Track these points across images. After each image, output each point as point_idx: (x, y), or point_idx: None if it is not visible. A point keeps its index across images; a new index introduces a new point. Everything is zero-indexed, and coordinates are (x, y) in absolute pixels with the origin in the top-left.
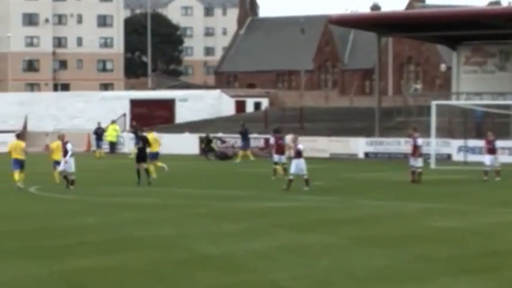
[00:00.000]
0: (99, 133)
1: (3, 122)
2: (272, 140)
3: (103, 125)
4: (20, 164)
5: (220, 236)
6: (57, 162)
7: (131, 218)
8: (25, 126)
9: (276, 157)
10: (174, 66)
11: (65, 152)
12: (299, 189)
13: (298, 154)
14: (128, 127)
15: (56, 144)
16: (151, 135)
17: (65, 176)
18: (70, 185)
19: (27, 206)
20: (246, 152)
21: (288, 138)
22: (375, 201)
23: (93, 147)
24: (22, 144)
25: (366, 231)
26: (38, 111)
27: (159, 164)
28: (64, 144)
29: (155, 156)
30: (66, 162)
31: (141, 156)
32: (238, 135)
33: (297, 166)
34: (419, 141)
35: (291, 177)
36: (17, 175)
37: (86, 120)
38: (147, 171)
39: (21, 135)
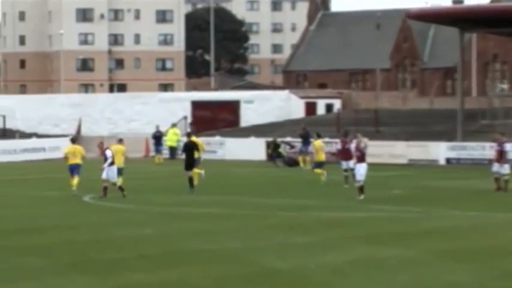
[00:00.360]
0: (158, 137)
1: (55, 125)
2: (339, 145)
3: (162, 129)
4: (77, 170)
5: (289, 249)
6: (118, 169)
7: (192, 229)
8: (79, 130)
9: (344, 164)
10: (238, 64)
11: (105, 160)
12: (374, 198)
13: (361, 157)
14: (189, 130)
15: (116, 148)
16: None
17: (105, 186)
18: (121, 191)
19: (81, 216)
20: (306, 157)
21: (356, 142)
22: (456, 212)
23: (152, 153)
24: (81, 148)
25: (448, 244)
26: (92, 114)
27: (198, 170)
28: (103, 151)
29: (196, 161)
30: (103, 169)
31: (190, 163)
32: (299, 139)
33: (359, 171)
34: (507, 146)
35: (359, 184)
36: (74, 180)
37: (143, 124)
38: (191, 179)
39: (76, 139)
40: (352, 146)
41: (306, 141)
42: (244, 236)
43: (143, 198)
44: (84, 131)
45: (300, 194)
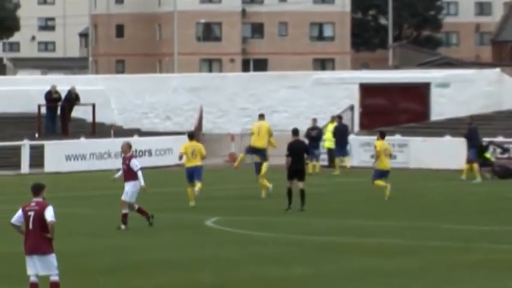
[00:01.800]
0: (314, 136)
1: (166, 118)
2: None
3: (320, 124)
4: (197, 174)
5: None
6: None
7: (360, 269)
8: (199, 124)
9: None
10: (428, 32)
11: (128, 172)
12: None
13: None
14: (356, 126)
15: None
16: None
17: (124, 214)
18: (147, 218)
19: (204, 247)
20: (473, 165)
21: None
22: None
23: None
24: (201, 146)
25: None
26: (218, 102)
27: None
28: (128, 159)
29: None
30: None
31: (297, 169)
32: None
33: None
34: None
35: None
36: (193, 190)
37: (291, 116)
38: (302, 192)
39: (194, 135)
40: None
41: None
42: (433, 279)
43: (285, 222)
44: (207, 127)
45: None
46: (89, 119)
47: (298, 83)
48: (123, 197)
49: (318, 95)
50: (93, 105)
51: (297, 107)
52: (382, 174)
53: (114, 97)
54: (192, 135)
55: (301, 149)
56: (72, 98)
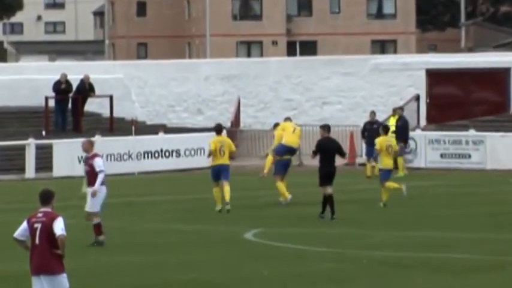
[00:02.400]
0: (372, 132)
1: (196, 112)
2: None
3: (380, 117)
4: (225, 173)
5: None
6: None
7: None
8: (236, 119)
9: None
10: (507, 8)
11: (93, 175)
12: None
13: None
14: (422, 120)
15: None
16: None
17: (96, 224)
18: (97, 236)
19: (244, 265)
20: None
21: None
22: None
23: (362, 157)
24: (229, 142)
25: None
26: (259, 92)
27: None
28: (91, 159)
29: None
30: (94, 195)
31: (330, 172)
32: None
33: None
34: None
35: None
36: (220, 191)
37: (346, 108)
38: (331, 199)
39: (221, 128)
40: None
41: None
42: None
43: (338, 234)
44: (245, 122)
45: None
46: (106, 113)
47: (353, 69)
48: (87, 207)
49: (377, 84)
50: (111, 97)
51: (352, 98)
52: (387, 173)
53: (135, 87)
54: (219, 129)
55: (333, 149)
56: (86, 89)
